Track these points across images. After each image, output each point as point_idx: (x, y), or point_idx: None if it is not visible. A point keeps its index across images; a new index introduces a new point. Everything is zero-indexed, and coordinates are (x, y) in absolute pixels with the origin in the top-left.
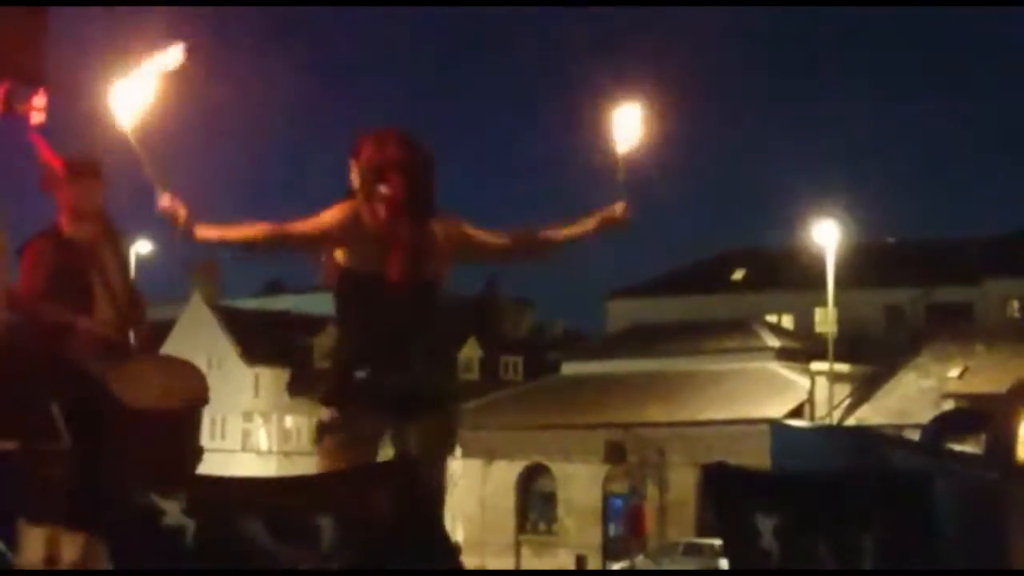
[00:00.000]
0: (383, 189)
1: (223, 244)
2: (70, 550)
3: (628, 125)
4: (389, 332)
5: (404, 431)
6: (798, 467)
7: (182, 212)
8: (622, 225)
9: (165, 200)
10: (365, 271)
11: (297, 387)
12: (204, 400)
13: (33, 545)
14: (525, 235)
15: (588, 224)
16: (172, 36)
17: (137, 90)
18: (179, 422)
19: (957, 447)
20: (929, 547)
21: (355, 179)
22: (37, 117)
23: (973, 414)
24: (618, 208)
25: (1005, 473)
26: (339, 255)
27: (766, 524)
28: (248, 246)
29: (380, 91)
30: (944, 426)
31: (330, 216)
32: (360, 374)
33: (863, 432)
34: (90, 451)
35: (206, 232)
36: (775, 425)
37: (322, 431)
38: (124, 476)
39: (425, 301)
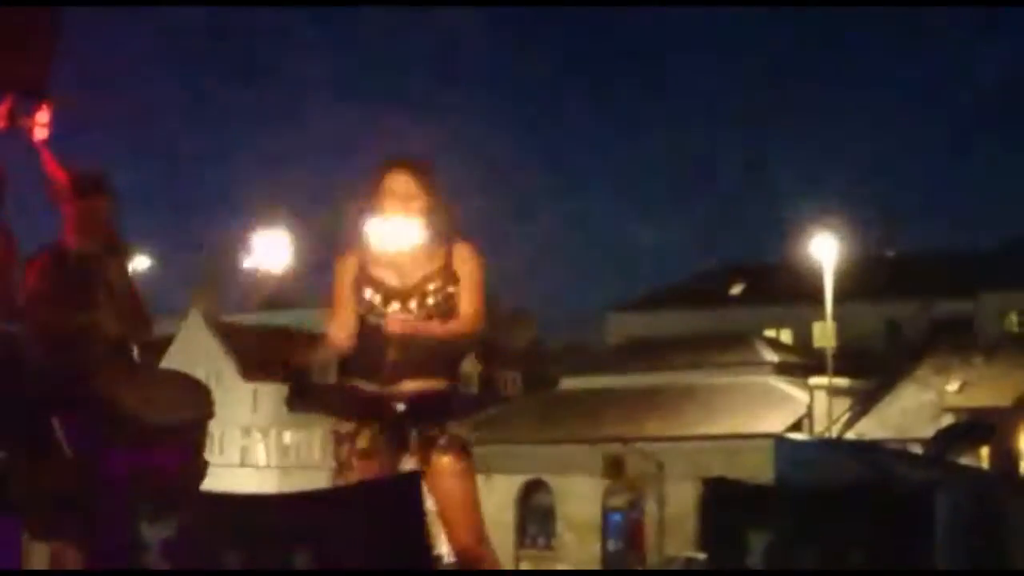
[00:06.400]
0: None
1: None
2: (74, 565)
3: None
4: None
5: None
6: (802, 481)
7: None
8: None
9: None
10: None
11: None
12: (210, 414)
13: (37, 560)
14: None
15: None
16: None
17: None
18: (185, 436)
19: (962, 460)
20: (928, 561)
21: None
22: (41, 133)
23: (978, 427)
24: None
25: (1009, 486)
26: None
27: (758, 542)
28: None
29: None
30: (949, 439)
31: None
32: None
33: (866, 445)
34: (93, 464)
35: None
36: (779, 439)
37: (341, 442)
38: (116, 497)
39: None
